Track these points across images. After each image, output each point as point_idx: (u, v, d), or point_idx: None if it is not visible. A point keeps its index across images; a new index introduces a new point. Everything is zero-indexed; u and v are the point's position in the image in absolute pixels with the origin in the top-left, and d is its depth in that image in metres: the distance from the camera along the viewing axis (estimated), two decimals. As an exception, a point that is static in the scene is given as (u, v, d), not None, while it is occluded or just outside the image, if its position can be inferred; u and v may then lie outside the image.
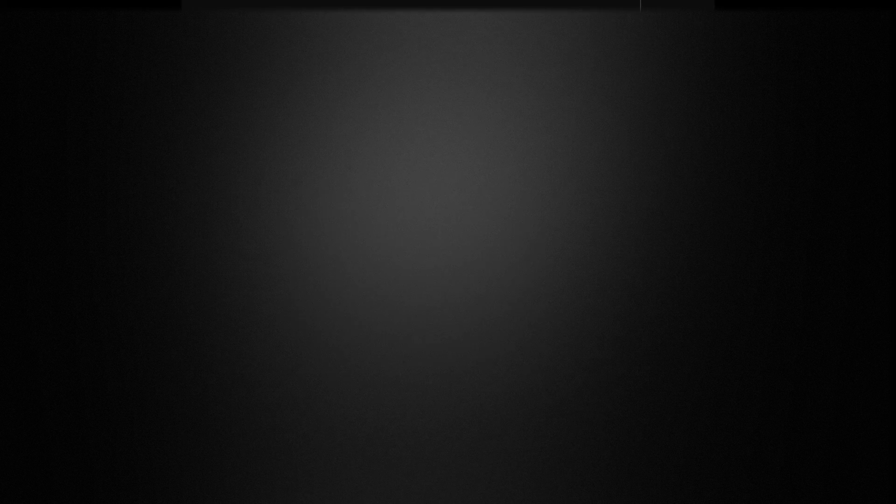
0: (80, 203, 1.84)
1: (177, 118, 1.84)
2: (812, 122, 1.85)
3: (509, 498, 1.85)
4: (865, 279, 1.85)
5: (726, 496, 1.85)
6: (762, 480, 1.85)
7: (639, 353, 1.84)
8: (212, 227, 1.84)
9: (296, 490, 1.85)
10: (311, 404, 1.85)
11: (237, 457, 1.85)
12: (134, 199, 1.84)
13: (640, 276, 1.84)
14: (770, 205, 1.85)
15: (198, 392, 1.84)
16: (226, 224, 1.84)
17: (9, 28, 1.85)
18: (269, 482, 1.85)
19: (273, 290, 1.84)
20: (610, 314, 1.84)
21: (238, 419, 1.85)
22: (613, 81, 1.85)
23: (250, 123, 1.85)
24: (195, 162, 1.84)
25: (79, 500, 1.85)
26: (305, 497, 1.85)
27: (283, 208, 1.84)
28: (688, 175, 1.85)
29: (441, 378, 1.85)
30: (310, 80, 1.84)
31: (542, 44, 1.85)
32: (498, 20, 1.85)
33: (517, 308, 1.84)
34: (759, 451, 1.85)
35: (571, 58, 1.85)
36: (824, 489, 1.85)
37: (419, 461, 1.85)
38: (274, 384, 1.84)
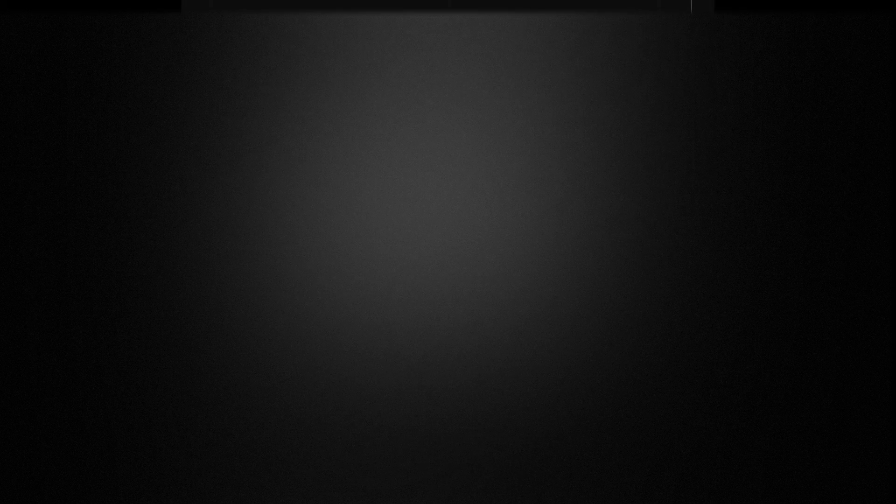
0: (80, 206, 1.84)
1: (176, 120, 1.84)
2: (812, 124, 1.85)
3: (509, 500, 1.85)
4: (866, 280, 1.85)
5: (726, 496, 1.85)
6: (761, 481, 1.85)
7: (639, 353, 1.84)
8: (211, 230, 1.84)
9: (300, 492, 1.85)
10: (311, 406, 1.85)
11: (235, 460, 1.85)
12: (133, 202, 1.84)
13: (642, 277, 1.84)
14: (770, 206, 1.84)
15: (199, 394, 1.84)
16: (225, 226, 1.84)
17: (8, 31, 1.85)
18: (270, 485, 1.85)
19: (273, 292, 1.84)
20: (612, 315, 1.84)
21: (238, 422, 1.84)
22: (613, 83, 1.84)
23: (250, 125, 1.85)
24: (195, 164, 1.84)
25: (81, 500, 1.85)
26: (314, 499, 1.85)
27: (284, 210, 1.84)
28: (687, 176, 1.85)
29: (441, 379, 1.85)
30: (310, 82, 1.85)
31: (543, 46, 1.85)
32: (500, 23, 1.85)
33: (520, 307, 1.84)
34: (758, 451, 1.85)
35: (571, 60, 1.85)
36: (825, 489, 1.85)
37: (418, 462, 1.85)
38: (276, 386, 1.84)
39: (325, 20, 1.85)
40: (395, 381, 1.85)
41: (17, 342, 1.85)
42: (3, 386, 1.85)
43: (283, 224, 1.84)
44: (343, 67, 1.84)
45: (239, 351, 1.84)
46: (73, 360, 1.84)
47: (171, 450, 1.84)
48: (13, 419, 1.85)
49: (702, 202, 1.85)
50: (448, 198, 1.85)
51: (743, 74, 1.84)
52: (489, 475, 1.85)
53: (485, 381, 1.85)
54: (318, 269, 1.84)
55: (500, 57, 1.85)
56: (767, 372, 1.85)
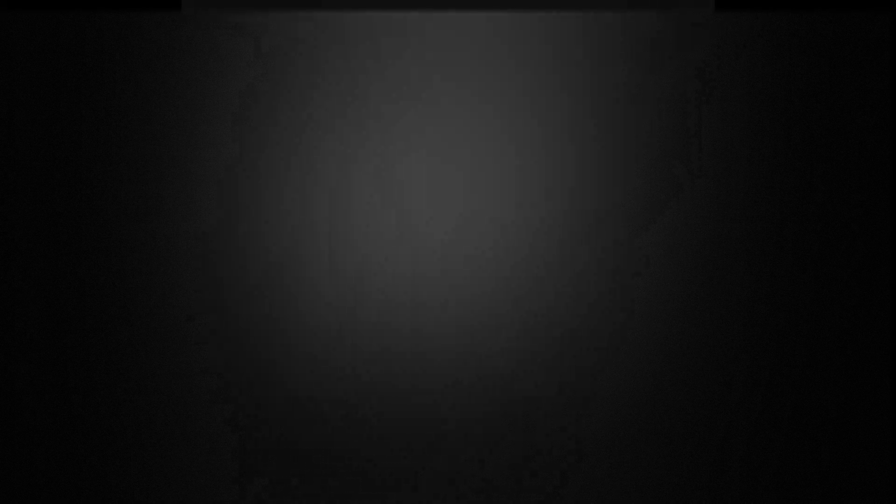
0: (79, 204, 1.84)
1: (177, 120, 1.85)
2: (811, 124, 1.85)
3: (509, 498, 1.85)
4: (866, 279, 1.85)
5: (726, 496, 1.85)
6: (761, 481, 1.85)
7: (638, 354, 1.84)
8: (211, 230, 1.84)
9: (300, 491, 1.85)
10: (312, 405, 1.85)
11: (236, 458, 1.85)
12: (132, 200, 1.85)
13: (640, 278, 1.84)
14: (769, 206, 1.85)
15: (199, 393, 1.84)
16: (225, 226, 1.84)
17: (7, 30, 1.85)
18: (270, 484, 1.85)
19: (272, 293, 1.84)
20: (611, 316, 1.84)
21: (240, 420, 1.84)
22: (613, 82, 1.85)
23: (251, 125, 1.85)
24: (195, 163, 1.84)
25: (81, 499, 1.85)
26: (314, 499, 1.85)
27: (284, 208, 1.84)
28: (686, 175, 1.85)
29: (437, 380, 1.85)
30: (311, 81, 1.85)
31: (541, 45, 1.85)
32: (496, 22, 1.85)
33: (517, 310, 1.84)
34: (758, 452, 1.85)
35: (570, 59, 1.85)
36: (824, 488, 1.85)
37: (418, 461, 1.85)
38: (277, 385, 1.84)
39: (326, 19, 1.85)
40: (394, 379, 1.85)
41: (14, 340, 1.84)
42: (2, 384, 1.85)
43: (284, 222, 1.84)
44: (344, 66, 1.85)
45: (239, 349, 1.84)
46: (73, 358, 1.84)
47: (170, 447, 1.84)
48: (12, 418, 1.84)
49: (700, 202, 1.85)
50: (449, 197, 1.85)
51: (742, 73, 1.85)
52: (490, 473, 1.85)
53: (485, 379, 1.85)
54: (317, 268, 1.84)
55: (499, 56, 1.85)
56: (766, 371, 1.85)
